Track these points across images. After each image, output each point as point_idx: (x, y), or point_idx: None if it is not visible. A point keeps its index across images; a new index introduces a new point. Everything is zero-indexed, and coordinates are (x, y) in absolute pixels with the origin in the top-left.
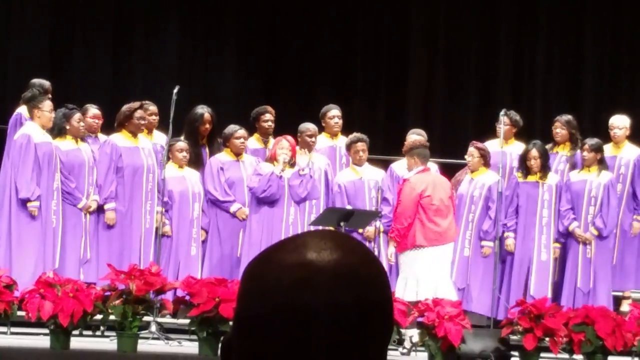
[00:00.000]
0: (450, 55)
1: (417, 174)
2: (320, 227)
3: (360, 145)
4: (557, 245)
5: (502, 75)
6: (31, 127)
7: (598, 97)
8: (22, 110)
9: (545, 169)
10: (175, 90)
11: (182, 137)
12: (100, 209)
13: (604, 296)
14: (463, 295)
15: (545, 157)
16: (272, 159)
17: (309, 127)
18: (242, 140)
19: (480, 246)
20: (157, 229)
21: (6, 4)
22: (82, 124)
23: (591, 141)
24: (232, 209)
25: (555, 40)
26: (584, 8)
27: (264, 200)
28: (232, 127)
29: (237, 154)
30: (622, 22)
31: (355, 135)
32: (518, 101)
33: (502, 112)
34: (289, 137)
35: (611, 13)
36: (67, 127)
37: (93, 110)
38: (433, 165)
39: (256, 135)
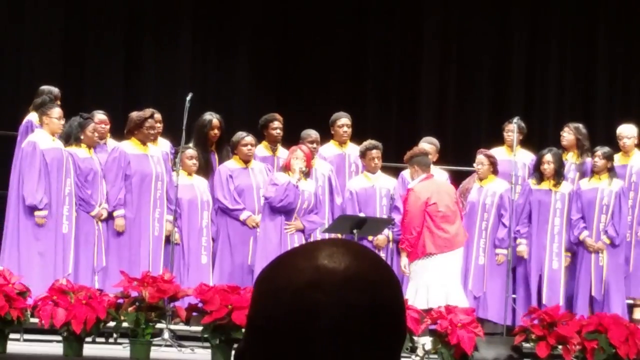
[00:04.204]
0: (462, 63)
1: (420, 182)
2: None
3: (375, 153)
4: (568, 254)
5: (514, 83)
6: (39, 134)
7: (611, 106)
8: (33, 117)
9: (559, 175)
10: (188, 98)
11: (190, 144)
12: (109, 217)
13: (618, 304)
14: (479, 303)
15: (559, 163)
16: (286, 168)
17: (310, 133)
18: (249, 147)
19: (495, 254)
20: (167, 237)
21: (19, 11)
22: (96, 134)
23: (603, 149)
24: (242, 216)
25: (567, 48)
26: (597, 15)
27: (280, 210)
28: (239, 134)
29: (246, 161)
30: (636, 29)
31: (370, 142)
32: (531, 109)
33: (515, 120)
34: (304, 147)
35: (624, 20)
36: (82, 137)
37: (99, 115)
38: (444, 174)
39: (264, 143)
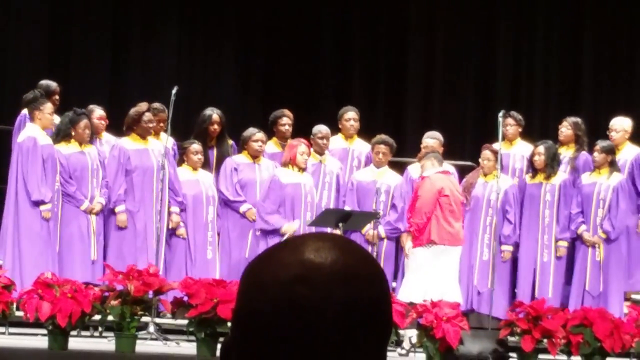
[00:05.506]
0: (448, 57)
1: (437, 173)
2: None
3: (382, 148)
4: (563, 244)
5: (500, 77)
6: (33, 129)
7: (597, 98)
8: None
9: (550, 168)
10: (173, 91)
11: (191, 139)
12: (111, 212)
13: (615, 299)
14: (482, 299)
15: (550, 155)
16: (288, 162)
17: (321, 129)
18: (259, 143)
19: (500, 250)
20: (173, 229)
21: (4, 6)
22: (87, 131)
23: (603, 143)
24: (242, 209)
25: (554, 41)
26: (583, 8)
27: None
28: (250, 130)
29: (254, 156)
30: (621, 22)
31: (380, 136)
32: (516, 103)
33: (501, 114)
34: (305, 141)
35: (610, 12)
36: (72, 133)
37: (99, 111)
38: (451, 168)
39: (274, 139)
